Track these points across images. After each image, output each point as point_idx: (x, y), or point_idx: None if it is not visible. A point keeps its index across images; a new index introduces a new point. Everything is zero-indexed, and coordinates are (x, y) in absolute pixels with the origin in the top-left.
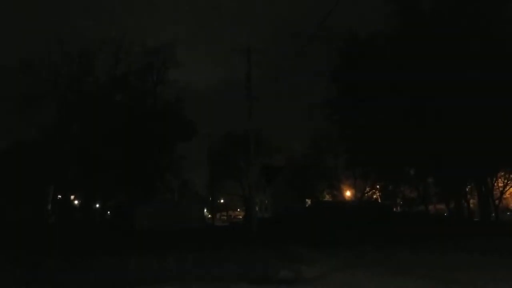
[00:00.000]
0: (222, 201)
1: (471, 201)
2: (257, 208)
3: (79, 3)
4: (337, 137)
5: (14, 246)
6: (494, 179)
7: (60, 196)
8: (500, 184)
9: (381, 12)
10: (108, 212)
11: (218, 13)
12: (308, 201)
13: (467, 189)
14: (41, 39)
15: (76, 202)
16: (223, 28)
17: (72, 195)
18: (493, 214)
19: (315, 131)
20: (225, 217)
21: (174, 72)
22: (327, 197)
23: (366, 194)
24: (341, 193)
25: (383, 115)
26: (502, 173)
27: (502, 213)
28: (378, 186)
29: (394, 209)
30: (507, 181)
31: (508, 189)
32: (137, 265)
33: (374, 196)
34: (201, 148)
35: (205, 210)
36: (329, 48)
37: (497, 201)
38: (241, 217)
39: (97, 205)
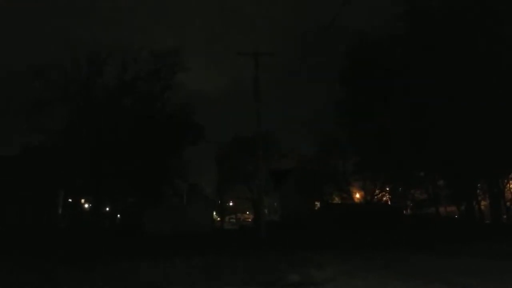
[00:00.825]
0: (231, 204)
1: (482, 202)
2: (266, 211)
3: (88, 9)
4: (346, 140)
5: (25, 250)
6: (506, 180)
7: (70, 200)
8: None
9: (389, 14)
10: (118, 215)
11: (225, 17)
12: (317, 204)
13: (478, 191)
14: (51, 45)
15: (86, 205)
16: (231, 32)
17: (82, 199)
18: (505, 216)
19: (324, 133)
20: (234, 220)
21: (182, 76)
22: (336, 200)
23: (375, 197)
24: (350, 195)
25: (393, 117)
26: None
27: None
28: (387, 188)
29: (404, 211)
30: None
31: None
32: (147, 270)
33: (384, 199)
34: (209, 152)
35: (214, 213)
36: (337, 50)
37: (508, 203)
38: (250, 220)
39: (107, 209)
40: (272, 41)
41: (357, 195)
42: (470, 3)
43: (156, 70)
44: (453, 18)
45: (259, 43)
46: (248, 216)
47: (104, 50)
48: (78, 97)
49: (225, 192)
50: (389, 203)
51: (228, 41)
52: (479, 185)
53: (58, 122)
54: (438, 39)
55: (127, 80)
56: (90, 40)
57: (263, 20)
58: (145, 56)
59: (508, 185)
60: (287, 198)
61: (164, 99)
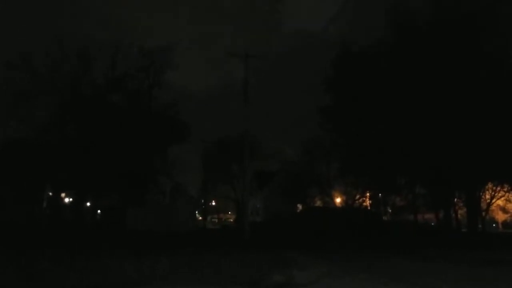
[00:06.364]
0: (213, 203)
1: (459, 211)
2: (249, 212)
3: (78, 4)
4: (330, 145)
5: (7, 245)
6: (482, 191)
7: (51, 194)
8: (487, 197)
9: (376, 25)
10: (99, 211)
11: (216, 16)
12: (300, 206)
13: (455, 200)
14: (39, 38)
15: (66, 200)
16: (221, 32)
17: (63, 193)
18: (480, 226)
19: (308, 137)
20: (216, 220)
21: (170, 74)
22: (319, 203)
23: (356, 201)
24: (332, 199)
25: (376, 124)
26: (489, 185)
27: (488, 225)
28: (368, 194)
29: (384, 217)
30: (494, 193)
31: (495, 202)
32: (131, 267)
33: (365, 204)
34: (195, 151)
35: (197, 212)
36: (323, 57)
37: (483, 213)
38: (232, 220)
39: (88, 204)
40: (262, 43)
41: (339, 199)
42: (456, 16)
43: (145, 67)
44: (439, 31)
45: (249, 45)
46: (230, 216)
47: (93, 45)
48: (65, 91)
49: (209, 192)
50: (370, 208)
51: (220, 40)
52: (456, 194)
53: (43, 115)
54: (423, 49)
55: (115, 76)
56: (79, 35)
57: (255, 22)
58: (135, 53)
59: (484, 195)
60: (271, 200)
61: (151, 97)
